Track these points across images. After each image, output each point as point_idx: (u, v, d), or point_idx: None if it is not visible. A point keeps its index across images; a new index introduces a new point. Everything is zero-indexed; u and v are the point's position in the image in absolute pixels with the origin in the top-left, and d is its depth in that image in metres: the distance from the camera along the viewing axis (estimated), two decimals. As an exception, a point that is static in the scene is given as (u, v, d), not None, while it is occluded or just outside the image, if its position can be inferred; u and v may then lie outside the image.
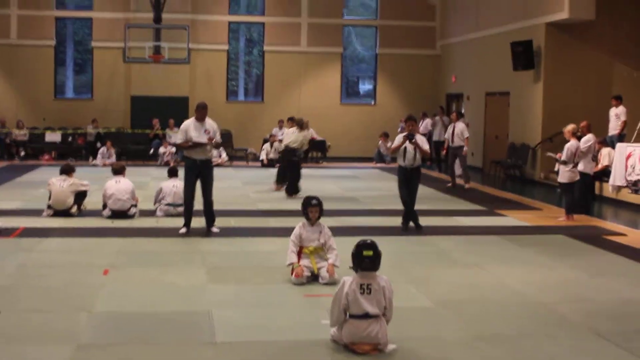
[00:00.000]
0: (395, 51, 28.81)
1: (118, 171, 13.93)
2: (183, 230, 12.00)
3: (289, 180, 16.98)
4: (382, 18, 28.89)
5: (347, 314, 6.58)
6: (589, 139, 14.89)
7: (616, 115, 18.23)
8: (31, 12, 27.24)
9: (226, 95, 28.60)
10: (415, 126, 12.96)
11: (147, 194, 15.09)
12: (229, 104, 28.44)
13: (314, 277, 8.96)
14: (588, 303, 8.37)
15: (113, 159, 23.64)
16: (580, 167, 14.44)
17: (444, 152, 20.38)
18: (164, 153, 24.03)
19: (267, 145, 24.82)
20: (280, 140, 20.00)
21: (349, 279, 6.64)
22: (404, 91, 28.80)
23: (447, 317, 7.72)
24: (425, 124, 26.08)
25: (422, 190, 14.68)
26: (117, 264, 9.80)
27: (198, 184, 12.05)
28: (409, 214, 12.79)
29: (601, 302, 8.43)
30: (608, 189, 16.98)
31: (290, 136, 17.10)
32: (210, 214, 12.19)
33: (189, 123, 12.05)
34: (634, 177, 16.06)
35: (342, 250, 8.64)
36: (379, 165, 25.67)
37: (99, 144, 25.24)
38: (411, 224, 12.80)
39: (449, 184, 19.37)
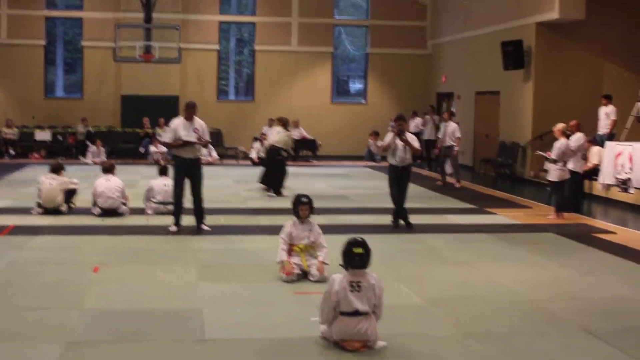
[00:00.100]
0: (386, 51, 28.84)
1: (108, 169, 13.89)
2: (173, 228, 12.00)
3: (276, 179, 16.91)
4: (373, 18, 28.93)
5: (337, 311, 6.58)
6: (578, 137, 14.93)
7: (606, 114, 18.29)
8: (21, 11, 27.19)
9: (217, 94, 28.58)
10: (405, 125, 12.98)
11: (137, 192, 15.06)
12: (219, 103, 28.43)
13: (304, 275, 8.97)
14: (578, 301, 8.39)
15: (103, 157, 23.59)
16: (570, 165, 14.48)
17: (436, 151, 20.40)
18: (155, 152, 24.00)
19: (257, 144, 24.76)
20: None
21: (339, 277, 6.64)
22: (395, 90, 28.85)
23: (437, 315, 7.73)
24: (415, 123, 26.16)
25: (413, 188, 14.71)
26: (108, 262, 9.78)
27: (188, 183, 12.05)
28: (399, 211, 12.81)
29: (591, 299, 8.46)
30: (598, 188, 17.05)
31: (274, 135, 17.08)
32: (200, 212, 12.18)
33: (178, 122, 12.05)
34: (623, 176, 16.12)
35: (332, 248, 8.63)
36: (369, 163, 25.69)
37: (88, 143, 25.19)
38: (401, 221, 12.82)
39: (439, 182, 19.42)
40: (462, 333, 7.08)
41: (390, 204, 13.00)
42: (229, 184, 18.89)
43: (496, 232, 12.54)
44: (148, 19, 25.84)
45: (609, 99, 18.31)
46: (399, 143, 12.48)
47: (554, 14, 19.69)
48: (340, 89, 30.65)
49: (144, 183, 15.28)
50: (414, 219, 12.92)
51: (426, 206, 15.40)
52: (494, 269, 9.89)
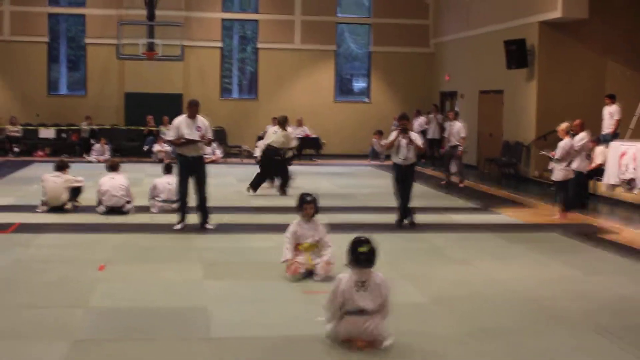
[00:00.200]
0: (389, 49, 28.84)
1: (113, 168, 13.93)
2: (178, 226, 12.03)
3: (281, 179, 16.87)
4: (376, 16, 28.93)
5: (343, 311, 6.57)
6: (582, 137, 14.92)
7: (610, 114, 18.28)
8: (24, 8, 27.20)
9: (220, 92, 28.58)
10: (408, 124, 12.98)
11: (141, 190, 15.07)
12: (222, 101, 28.42)
13: (309, 274, 8.98)
14: (582, 299, 8.39)
15: (107, 155, 23.61)
16: (574, 165, 14.47)
17: (442, 150, 20.37)
18: (158, 151, 23.98)
19: (261, 142, 24.74)
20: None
21: (345, 276, 6.63)
22: (398, 89, 28.83)
23: (440, 313, 7.74)
24: (419, 122, 26.15)
25: (417, 187, 14.67)
26: (113, 260, 9.79)
27: (192, 181, 12.07)
28: (404, 210, 12.81)
29: (595, 298, 8.45)
30: (602, 187, 17.03)
31: (271, 135, 17.00)
32: (204, 210, 12.20)
33: (181, 120, 12.07)
34: (627, 176, 16.10)
35: (337, 247, 8.64)
36: (373, 162, 25.68)
37: (92, 141, 25.22)
38: (405, 221, 12.82)
39: (443, 182, 19.42)
40: (465, 331, 7.09)
41: (394, 203, 13.01)
42: (232, 183, 18.89)
43: (500, 232, 12.55)
44: (151, 16, 25.84)
45: (612, 99, 18.30)
46: (403, 141, 12.48)
47: (557, 13, 19.68)
48: (343, 88, 30.63)
49: (149, 181, 15.28)
50: (417, 217, 12.93)
51: (430, 205, 15.39)
52: (497, 267, 9.90)
